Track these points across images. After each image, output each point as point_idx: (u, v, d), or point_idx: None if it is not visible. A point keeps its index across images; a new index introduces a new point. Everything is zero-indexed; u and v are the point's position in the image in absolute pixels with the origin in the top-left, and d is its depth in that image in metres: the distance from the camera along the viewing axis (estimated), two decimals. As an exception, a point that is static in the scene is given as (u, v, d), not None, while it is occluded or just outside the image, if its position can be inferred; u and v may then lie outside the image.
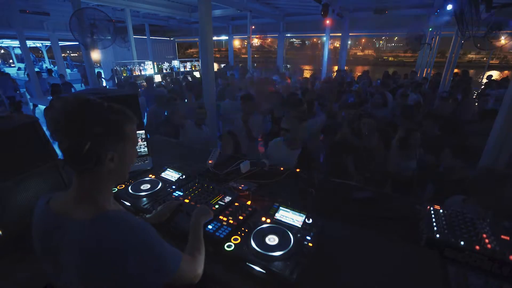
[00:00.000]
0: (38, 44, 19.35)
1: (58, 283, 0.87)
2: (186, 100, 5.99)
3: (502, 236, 1.20)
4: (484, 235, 1.20)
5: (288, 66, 13.48)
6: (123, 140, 0.83)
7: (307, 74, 12.29)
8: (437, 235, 1.23)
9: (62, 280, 0.83)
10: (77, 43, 5.56)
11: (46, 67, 16.30)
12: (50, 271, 0.86)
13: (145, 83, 8.29)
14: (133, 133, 0.87)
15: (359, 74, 11.39)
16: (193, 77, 10.02)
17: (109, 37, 5.59)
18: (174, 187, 1.66)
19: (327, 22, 8.25)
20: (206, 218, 1.25)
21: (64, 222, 0.79)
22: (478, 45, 4.47)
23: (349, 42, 15.74)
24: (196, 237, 1.10)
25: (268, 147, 2.77)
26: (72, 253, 0.76)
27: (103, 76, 10.40)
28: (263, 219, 1.33)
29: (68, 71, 14.76)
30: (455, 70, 7.83)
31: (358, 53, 59.47)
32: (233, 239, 1.20)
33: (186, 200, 1.50)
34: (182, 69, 11.60)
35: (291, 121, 2.50)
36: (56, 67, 14.64)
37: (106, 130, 0.78)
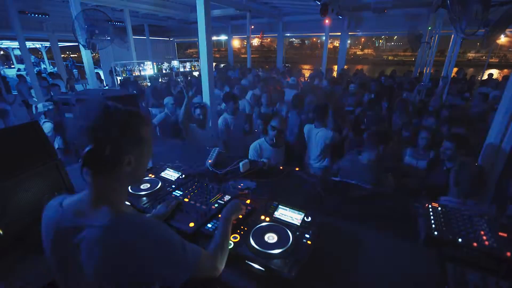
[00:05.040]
0: (37, 45, 19.33)
1: (70, 284, 0.87)
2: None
3: (500, 233, 1.21)
4: (482, 232, 1.21)
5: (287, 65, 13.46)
6: (140, 143, 0.84)
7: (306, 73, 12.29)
8: (435, 233, 1.23)
9: (75, 281, 0.83)
10: (76, 43, 5.56)
11: (41, 69, 16.32)
12: (61, 272, 0.86)
13: (149, 83, 8.38)
14: (149, 134, 0.88)
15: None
16: (193, 77, 10.02)
17: (109, 38, 5.59)
18: (173, 186, 1.67)
19: (326, 21, 8.25)
20: (237, 214, 1.28)
21: (81, 224, 0.80)
22: (478, 44, 4.49)
23: (349, 42, 15.74)
24: (222, 233, 1.12)
25: (250, 151, 2.76)
26: (91, 255, 0.77)
27: (102, 77, 10.42)
28: (262, 217, 1.34)
29: (67, 72, 14.73)
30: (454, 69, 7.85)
31: (358, 52, 59.53)
32: (233, 238, 1.21)
33: (186, 199, 1.51)
34: (181, 69, 11.60)
35: (283, 122, 2.61)
36: (56, 68, 14.63)
37: (125, 134, 0.79)
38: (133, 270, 0.77)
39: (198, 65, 12.09)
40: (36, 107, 7.73)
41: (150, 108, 4.97)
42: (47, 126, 3.90)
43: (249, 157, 2.66)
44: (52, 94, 6.61)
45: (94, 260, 0.77)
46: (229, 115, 3.81)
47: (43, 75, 11.57)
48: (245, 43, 10.88)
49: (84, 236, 0.78)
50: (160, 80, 9.79)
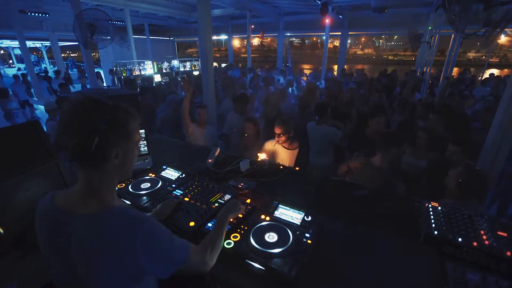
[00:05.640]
0: (38, 44, 19.33)
1: (63, 278, 0.88)
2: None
3: (500, 233, 1.21)
4: (482, 232, 1.21)
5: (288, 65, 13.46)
6: (127, 137, 0.86)
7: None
8: (435, 232, 1.23)
9: (68, 275, 0.84)
10: (76, 43, 5.58)
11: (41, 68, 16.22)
12: (56, 266, 0.87)
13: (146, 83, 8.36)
14: (137, 129, 0.90)
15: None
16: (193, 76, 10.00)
17: (109, 37, 5.60)
18: (174, 185, 1.67)
19: (326, 21, 8.25)
20: (235, 213, 1.28)
21: (71, 217, 0.81)
22: (478, 43, 4.49)
23: (349, 41, 15.74)
24: (216, 230, 1.13)
25: (264, 149, 2.77)
26: (80, 247, 0.79)
27: (102, 76, 10.41)
28: (263, 216, 1.34)
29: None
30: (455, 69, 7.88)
31: (358, 52, 59.50)
32: (233, 237, 1.21)
33: (186, 199, 1.51)
34: (182, 69, 11.59)
35: (285, 124, 2.56)
36: (56, 67, 14.63)
37: (113, 128, 0.81)
38: (121, 262, 0.78)
39: (198, 65, 12.08)
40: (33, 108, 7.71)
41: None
42: (50, 125, 3.91)
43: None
44: (59, 93, 6.63)
45: (83, 251, 0.78)
46: (236, 114, 3.87)
47: (48, 74, 11.49)
48: (245, 42, 10.87)
49: (74, 228, 0.80)
50: (160, 80, 9.77)
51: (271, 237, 1.20)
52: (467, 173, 1.79)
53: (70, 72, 15.04)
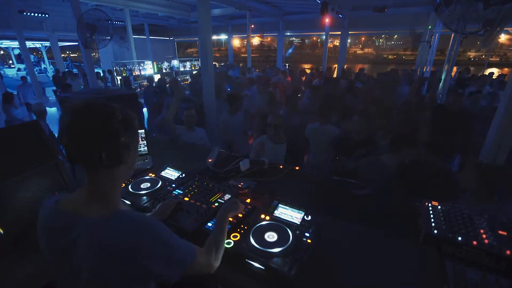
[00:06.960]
0: (37, 44, 19.33)
1: (66, 282, 0.88)
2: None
3: (500, 232, 1.21)
4: (482, 231, 1.21)
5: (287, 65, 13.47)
6: (135, 134, 0.89)
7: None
8: (435, 231, 1.23)
9: (73, 278, 0.83)
10: (76, 43, 5.61)
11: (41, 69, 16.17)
12: (60, 270, 0.87)
13: (146, 83, 8.37)
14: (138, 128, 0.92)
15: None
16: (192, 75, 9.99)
17: (109, 37, 5.62)
18: (174, 185, 1.67)
19: (326, 20, 8.24)
20: (235, 212, 1.28)
21: (77, 221, 0.80)
22: (478, 42, 4.50)
23: (349, 41, 15.73)
24: (218, 231, 1.12)
25: (253, 147, 2.79)
26: (87, 251, 0.78)
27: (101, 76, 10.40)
28: (262, 216, 1.34)
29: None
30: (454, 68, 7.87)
31: (358, 52, 59.40)
32: (233, 236, 1.21)
33: (186, 199, 1.51)
34: (182, 69, 11.59)
35: (279, 118, 2.60)
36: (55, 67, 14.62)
37: (127, 129, 0.82)
38: (127, 266, 0.77)
39: (198, 64, 12.08)
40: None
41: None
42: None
43: (251, 153, 2.68)
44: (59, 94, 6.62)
45: (89, 256, 0.77)
46: (227, 114, 3.82)
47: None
48: (245, 42, 10.87)
49: (80, 232, 0.79)
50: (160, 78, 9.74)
51: (271, 236, 1.20)
52: (483, 170, 1.77)
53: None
